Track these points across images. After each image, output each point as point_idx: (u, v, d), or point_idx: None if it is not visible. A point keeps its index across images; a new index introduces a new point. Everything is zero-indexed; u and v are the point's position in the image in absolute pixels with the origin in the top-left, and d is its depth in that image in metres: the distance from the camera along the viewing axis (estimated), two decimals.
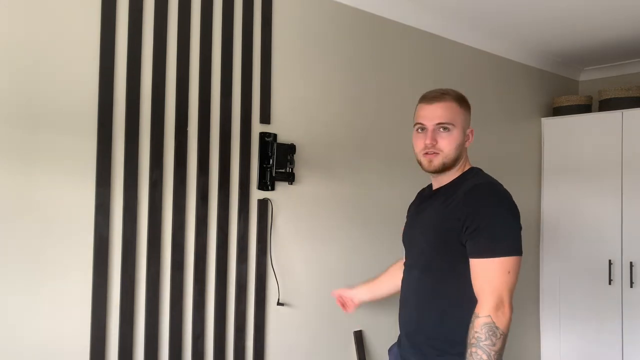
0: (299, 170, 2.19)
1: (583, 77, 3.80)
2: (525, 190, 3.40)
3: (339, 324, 2.37)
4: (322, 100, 2.31)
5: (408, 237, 1.69)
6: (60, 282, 1.63)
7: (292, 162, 2.12)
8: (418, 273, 1.57)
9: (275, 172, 2.09)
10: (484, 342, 1.32)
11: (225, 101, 1.99)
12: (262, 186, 2.08)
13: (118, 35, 1.74)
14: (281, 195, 2.15)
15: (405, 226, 1.76)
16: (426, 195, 1.68)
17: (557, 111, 3.45)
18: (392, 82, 2.60)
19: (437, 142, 1.51)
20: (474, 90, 3.03)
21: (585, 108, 3.38)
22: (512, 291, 1.36)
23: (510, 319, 1.35)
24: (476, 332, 1.34)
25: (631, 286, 3.03)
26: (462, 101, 1.56)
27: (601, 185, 3.17)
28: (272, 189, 2.11)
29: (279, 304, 2.13)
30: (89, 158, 1.68)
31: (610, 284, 3.11)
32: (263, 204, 2.09)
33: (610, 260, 3.11)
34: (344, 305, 2.05)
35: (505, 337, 1.33)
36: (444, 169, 1.53)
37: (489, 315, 1.33)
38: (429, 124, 1.52)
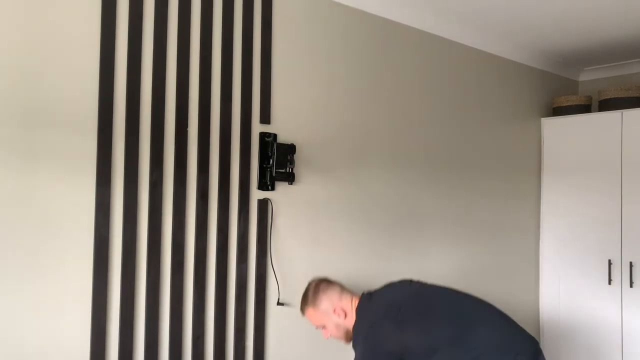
0: (299, 170, 2.19)
1: (583, 77, 3.80)
2: (525, 190, 3.39)
3: None
4: (322, 100, 2.31)
5: None
6: (61, 283, 1.63)
7: (292, 162, 2.12)
8: None
9: (275, 172, 2.09)
10: None
11: (225, 101, 1.99)
12: (262, 186, 2.08)
13: (118, 35, 1.74)
14: (281, 195, 2.15)
15: None
16: None
17: (557, 111, 3.45)
18: (392, 83, 2.60)
19: (329, 335, 1.96)
20: (475, 90, 3.03)
21: (585, 108, 3.38)
22: None
23: None
24: None
25: (631, 286, 3.03)
26: (314, 302, 1.94)
27: (601, 185, 3.17)
28: (272, 189, 2.11)
29: (279, 304, 2.14)
30: (90, 158, 1.68)
31: (610, 284, 3.11)
32: (263, 204, 2.09)
33: (610, 260, 3.11)
34: None
35: None
36: (349, 339, 1.93)
37: None
38: (315, 327, 2.00)
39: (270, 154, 2.08)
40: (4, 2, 1.54)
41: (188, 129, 1.89)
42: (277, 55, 2.16)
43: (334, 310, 1.92)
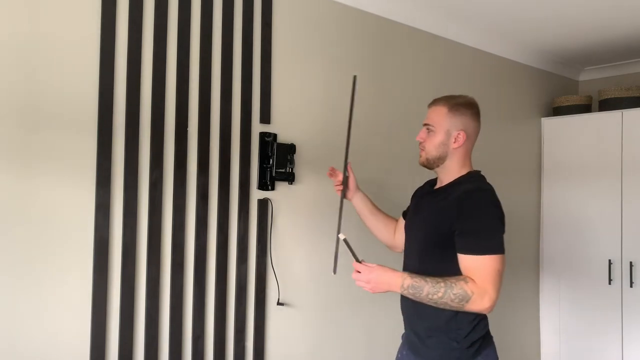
0: (299, 170, 2.19)
1: (583, 77, 3.80)
2: (525, 190, 3.39)
3: (340, 323, 2.37)
4: (322, 100, 2.30)
5: (409, 225, 1.83)
6: (61, 283, 1.63)
7: (292, 162, 2.12)
8: (415, 261, 1.73)
9: (275, 172, 2.08)
10: (453, 292, 1.48)
11: (225, 101, 1.99)
12: (262, 186, 2.08)
13: (118, 35, 1.74)
14: (281, 195, 2.15)
15: (409, 212, 1.90)
16: (428, 191, 1.82)
17: (557, 111, 3.46)
18: (392, 82, 2.60)
19: (424, 140, 1.71)
20: (474, 90, 3.01)
21: (585, 108, 3.38)
22: (498, 282, 1.51)
23: (489, 306, 1.50)
24: (458, 286, 1.50)
25: (631, 286, 3.03)
26: (453, 105, 1.67)
27: (601, 185, 3.17)
28: (272, 189, 2.11)
29: (279, 304, 2.13)
30: (89, 158, 1.68)
31: (610, 284, 3.11)
32: (263, 204, 2.09)
33: (610, 260, 3.11)
34: (334, 175, 2.00)
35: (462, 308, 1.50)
36: (428, 164, 1.72)
37: (474, 293, 1.48)
38: (423, 124, 1.74)
39: (270, 154, 2.08)
40: (3, 2, 1.54)
41: (188, 129, 1.89)
42: (277, 55, 2.15)
43: (459, 133, 1.64)
